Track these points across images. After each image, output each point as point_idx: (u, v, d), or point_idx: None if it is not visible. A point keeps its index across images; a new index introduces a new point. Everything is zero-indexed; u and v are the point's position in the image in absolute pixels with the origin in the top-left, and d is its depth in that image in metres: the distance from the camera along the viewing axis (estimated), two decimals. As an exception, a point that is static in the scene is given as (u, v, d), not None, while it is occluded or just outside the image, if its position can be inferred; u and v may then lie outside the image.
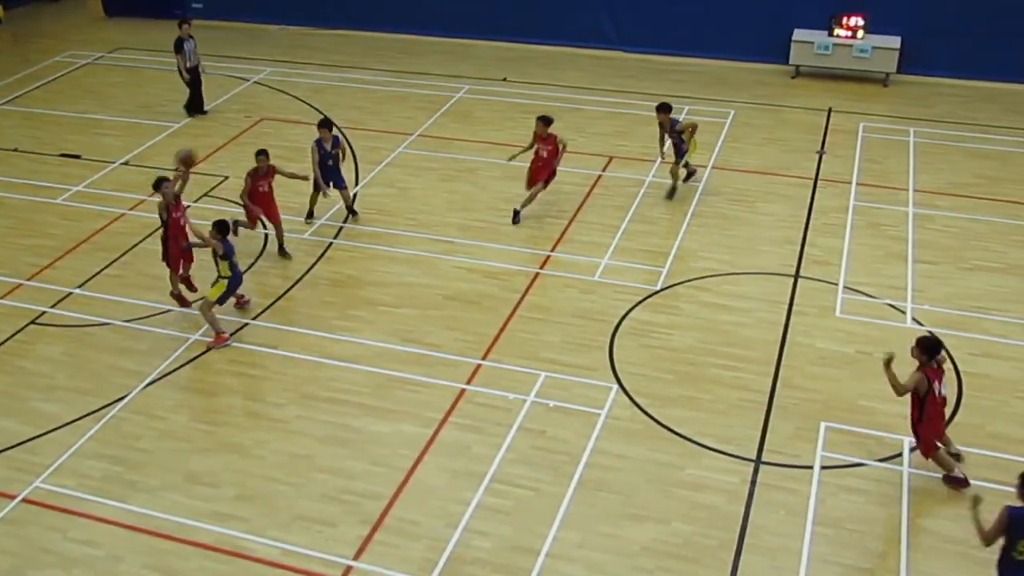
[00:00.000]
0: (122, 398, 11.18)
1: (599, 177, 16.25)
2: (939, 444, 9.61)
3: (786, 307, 12.66)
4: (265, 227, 14.24)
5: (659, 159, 16.25)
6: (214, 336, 11.99)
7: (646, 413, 10.80)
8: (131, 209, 15.41)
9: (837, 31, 20.15)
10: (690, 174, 15.80)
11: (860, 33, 20.06)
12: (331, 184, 14.51)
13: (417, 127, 18.37)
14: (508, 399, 11.03)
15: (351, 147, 16.29)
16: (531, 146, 14.70)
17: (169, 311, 12.70)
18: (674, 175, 15.43)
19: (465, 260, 13.76)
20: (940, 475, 9.70)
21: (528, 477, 9.91)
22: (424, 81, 20.78)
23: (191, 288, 12.89)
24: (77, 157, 17.37)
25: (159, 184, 12.34)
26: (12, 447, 10.46)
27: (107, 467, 10.15)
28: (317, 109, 19.19)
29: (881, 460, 10.04)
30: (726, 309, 12.64)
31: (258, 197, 13.63)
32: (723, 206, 15.27)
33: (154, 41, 23.40)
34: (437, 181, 16.21)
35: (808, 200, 15.44)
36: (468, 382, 11.34)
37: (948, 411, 10.07)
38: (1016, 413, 10.69)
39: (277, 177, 13.74)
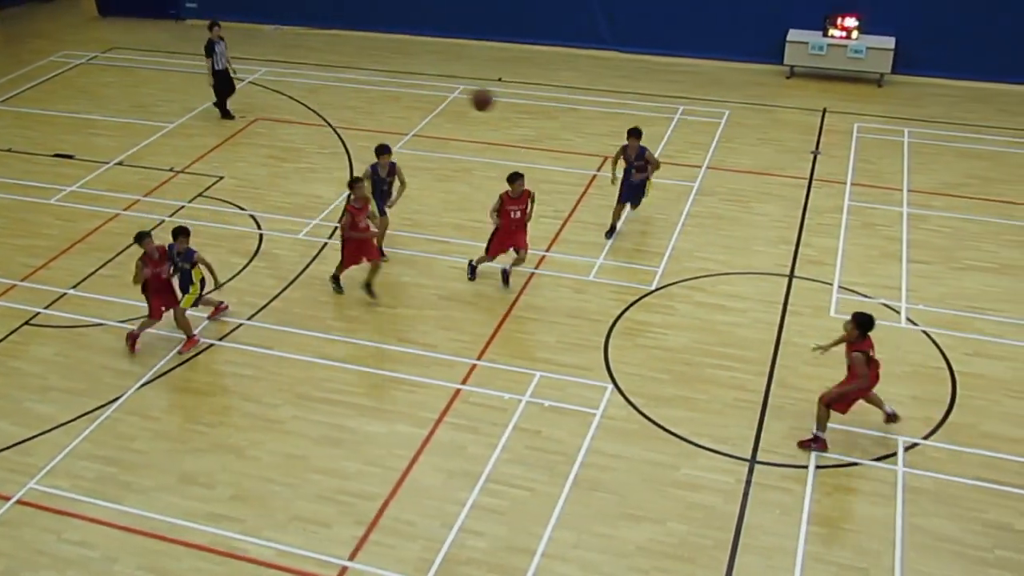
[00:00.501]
0: (116, 399, 11.16)
1: (594, 177, 16.25)
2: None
3: (781, 307, 12.68)
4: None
5: (611, 181, 14.33)
6: (185, 340, 11.98)
7: (641, 413, 10.80)
8: (125, 209, 15.38)
9: (832, 32, 20.19)
10: (612, 228, 14.30)
11: (854, 34, 20.10)
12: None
13: (412, 127, 18.36)
14: (503, 399, 11.03)
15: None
16: (501, 209, 12.66)
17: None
18: (616, 214, 14.27)
19: (461, 260, 13.75)
20: (934, 474, 9.80)
21: (523, 477, 9.91)
22: (418, 81, 20.78)
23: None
24: (71, 157, 17.33)
25: (141, 238, 11.53)
26: (6, 448, 10.44)
27: (101, 468, 10.13)
28: (312, 109, 19.19)
29: (876, 459, 10.06)
30: (721, 309, 12.66)
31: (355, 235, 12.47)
32: (718, 206, 15.28)
33: (148, 41, 23.39)
34: (432, 181, 16.20)
35: (803, 200, 15.46)
36: (463, 382, 11.34)
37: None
38: (1009, 412, 10.72)
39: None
